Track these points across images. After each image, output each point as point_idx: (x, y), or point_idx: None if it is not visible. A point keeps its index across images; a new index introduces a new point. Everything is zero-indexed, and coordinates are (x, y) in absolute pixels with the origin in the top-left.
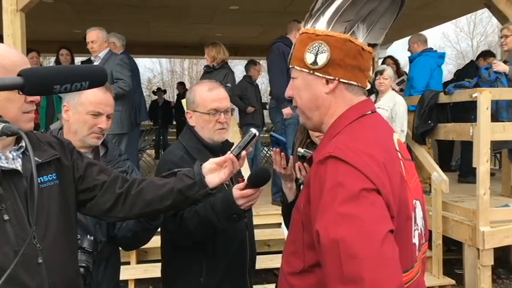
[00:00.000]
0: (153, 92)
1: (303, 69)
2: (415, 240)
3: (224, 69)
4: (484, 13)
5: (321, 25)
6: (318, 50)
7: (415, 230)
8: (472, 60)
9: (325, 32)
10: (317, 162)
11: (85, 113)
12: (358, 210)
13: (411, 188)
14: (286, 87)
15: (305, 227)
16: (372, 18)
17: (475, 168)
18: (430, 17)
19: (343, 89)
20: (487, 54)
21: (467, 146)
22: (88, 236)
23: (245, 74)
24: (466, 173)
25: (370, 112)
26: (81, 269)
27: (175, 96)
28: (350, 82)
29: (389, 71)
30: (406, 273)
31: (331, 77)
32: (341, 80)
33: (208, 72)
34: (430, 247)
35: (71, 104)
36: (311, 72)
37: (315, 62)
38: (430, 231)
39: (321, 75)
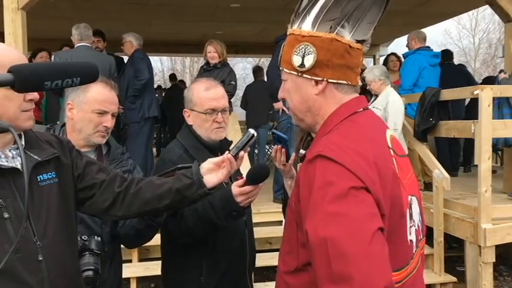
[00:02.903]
0: None
1: (292, 72)
2: (412, 237)
3: (226, 68)
4: (486, 10)
5: (307, 25)
6: (305, 52)
7: (411, 226)
8: (451, 62)
9: (311, 33)
10: (306, 161)
11: (90, 111)
12: (347, 208)
13: (406, 184)
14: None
15: (298, 225)
16: (358, 15)
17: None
18: (432, 13)
19: (332, 89)
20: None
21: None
22: (95, 237)
23: (257, 79)
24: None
25: (361, 109)
26: (91, 272)
27: None
28: (339, 82)
29: (369, 76)
30: (401, 270)
31: (320, 78)
32: (329, 80)
33: (208, 71)
34: (431, 244)
35: (75, 101)
36: (299, 74)
37: (302, 65)
38: (427, 227)
39: (309, 77)
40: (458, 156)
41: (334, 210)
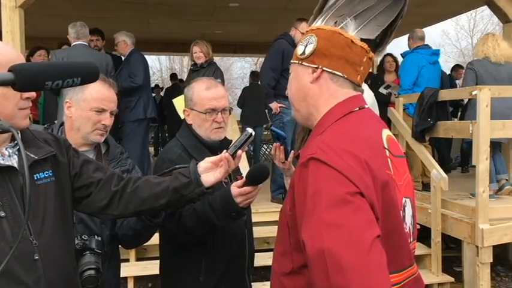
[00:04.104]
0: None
1: (294, 61)
2: None
3: (212, 66)
4: (485, 11)
5: (318, 22)
6: (308, 42)
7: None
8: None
9: (318, 26)
10: (300, 165)
11: (88, 109)
12: (343, 217)
13: (401, 186)
14: (274, 83)
15: (291, 229)
16: (367, 15)
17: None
18: (430, 14)
19: (327, 79)
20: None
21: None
22: (96, 236)
23: (251, 82)
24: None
25: (357, 108)
26: (93, 271)
27: None
28: (334, 72)
29: None
30: (400, 272)
31: (315, 66)
32: (324, 68)
33: (196, 71)
34: (428, 244)
35: (73, 100)
36: (300, 62)
37: (303, 53)
38: (425, 227)
39: (307, 64)
40: (448, 157)
41: (330, 219)
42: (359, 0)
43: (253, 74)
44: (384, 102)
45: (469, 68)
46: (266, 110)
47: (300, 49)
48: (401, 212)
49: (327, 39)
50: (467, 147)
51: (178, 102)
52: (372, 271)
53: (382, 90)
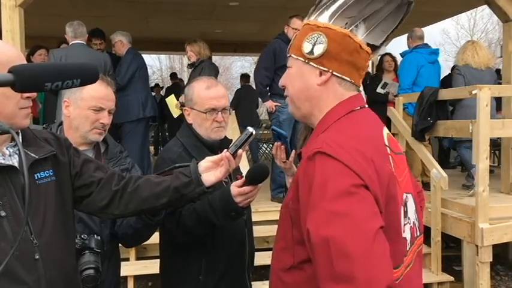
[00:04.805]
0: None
1: (299, 58)
2: (406, 235)
3: (201, 65)
4: (485, 10)
5: (324, 18)
6: (316, 41)
7: (406, 224)
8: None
9: (326, 25)
10: (305, 159)
11: (87, 108)
12: (348, 207)
13: (401, 182)
14: (268, 82)
15: (294, 223)
16: (374, 20)
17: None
18: (430, 13)
19: (335, 83)
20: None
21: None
22: (95, 235)
23: (245, 84)
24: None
25: (359, 107)
26: (92, 271)
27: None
28: (343, 77)
29: None
30: (398, 268)
31: (325, 69)
32: (334, 73)
33: (192, 70)
34: (428, 243)
35: (71, 99)
36: (306, 61)
37: (311, 52)
38: (425, 226)
39: (316, 65)
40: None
41: (336, 208)
42: (367, 2)
43: (244, 76)
44: (382, 101)
45: (457, 73)
46: (266, 109)
47: (306, 47)
48: (402, 208)
49: (337, 41)
50: (447, 146)
51: (171, 101)
52: (375, 260)
53: (379, 90)
